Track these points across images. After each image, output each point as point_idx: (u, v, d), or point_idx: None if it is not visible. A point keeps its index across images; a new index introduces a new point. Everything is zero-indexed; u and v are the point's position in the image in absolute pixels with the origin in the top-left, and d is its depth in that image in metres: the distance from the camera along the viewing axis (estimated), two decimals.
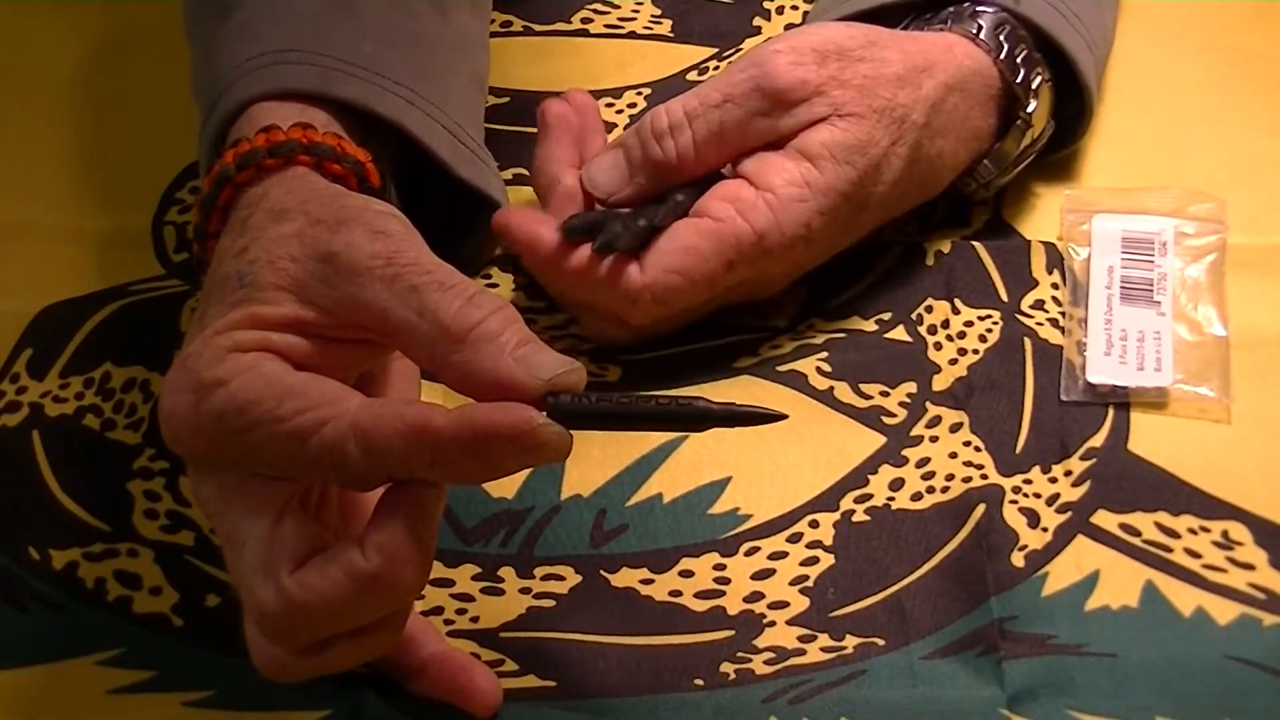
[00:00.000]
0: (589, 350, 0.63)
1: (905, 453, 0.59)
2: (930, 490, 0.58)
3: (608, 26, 0.76)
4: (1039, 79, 0.63)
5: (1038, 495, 0.58)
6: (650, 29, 0.76)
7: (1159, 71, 0.72)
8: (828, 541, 0.57)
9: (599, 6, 0.76)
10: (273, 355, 0.46)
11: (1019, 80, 0.62)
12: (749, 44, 0.74)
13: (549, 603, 0.56)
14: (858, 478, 0.59)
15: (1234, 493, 0.57)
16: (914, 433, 0.60)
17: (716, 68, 0.73)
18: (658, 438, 0.60)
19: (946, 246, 0.66)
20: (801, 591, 0.56)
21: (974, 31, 0.62)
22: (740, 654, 0.54)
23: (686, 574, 0.56)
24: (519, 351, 0.45)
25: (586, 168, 0.61)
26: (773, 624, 0.55)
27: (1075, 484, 0.58)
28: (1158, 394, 0.60)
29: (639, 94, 0.72)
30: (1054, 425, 0.59)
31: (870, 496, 0.58)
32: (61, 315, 0.65)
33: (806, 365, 0.62)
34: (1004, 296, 0.64)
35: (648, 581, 0.56)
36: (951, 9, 0.64)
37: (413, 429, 0.44)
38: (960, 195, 0.66)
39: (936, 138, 0.61)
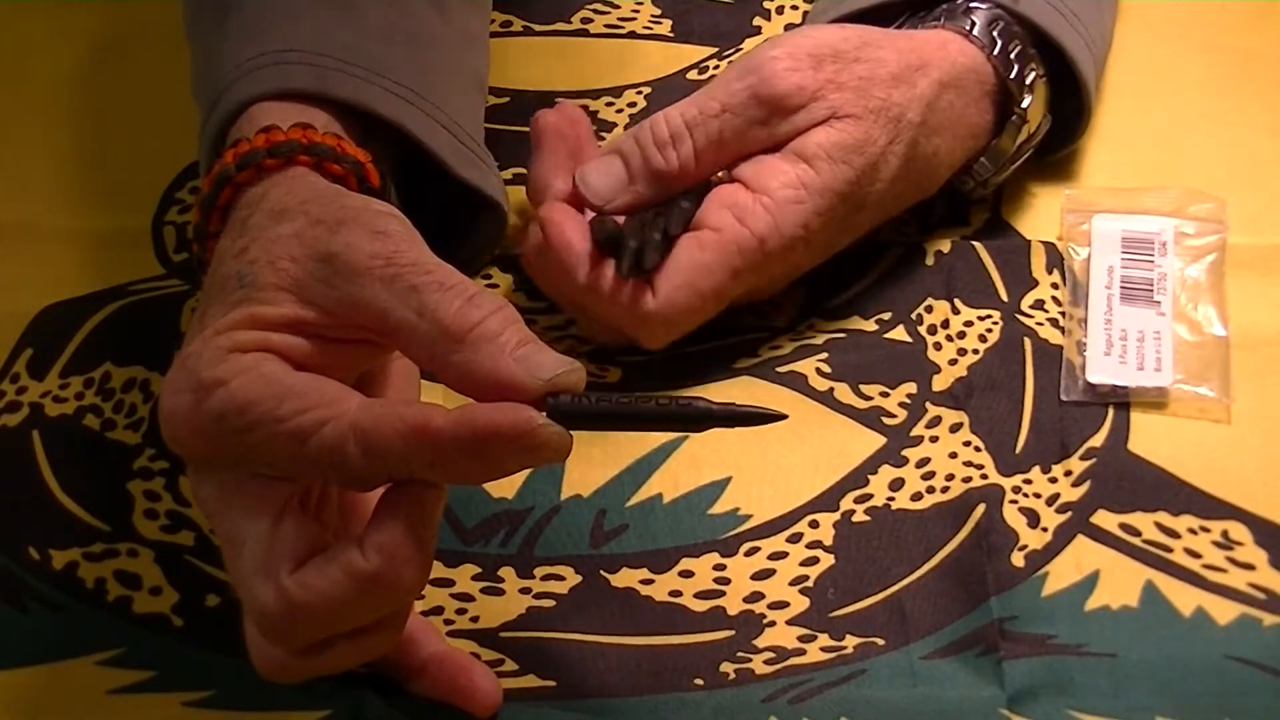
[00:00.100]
0: (589, 350, 0.63)
1: (905, 453, 0.59)
2: (930, 490, 0.58)
3: (608, 26, 0.76)
4: (1033, 74, 0.63)
5: (1038, 495, 0.58)
6: (650, 29, 0.76)
7: (1159, 71, 0.72)
8: (828, 541, 0.57)
9: (599, 6, 0.76)
10: (273, 355, 0.46)
11: (1013, 76, 0.62)
12: (749, 44, 0.74)
13: (549, 603, 0.56)
14: (858, 478, 0.59)
15: (1234, 493, 0.57)
16: (914, 433, 0.60)
17: (717, 67, 0.73)
18: (658, 438, 0.60)
19: (946, 246, 0.66)
20: (801, 591, 0.56)
21: (967, 28, 0.62)
22: (740, 654, 0.54)
23: (686, 574, 0.56)
24: (519, 351, 0.45)
25: (580, 172, 0.61)
26: (773, 624, 0.55)
27: (1075, 484, 0.58)
28: (1158, 394, 0.60)
29: (639, 93, 0.72)
30: (1054, 425, 0.59)
31: (870, 496, 0.58)
32: (61, 315, 0.65)
33: (806, 366, 0.62)
34: (1004, 296, 0.64)
35: (648, 581, 0.56)
36: (945, 6, 0.64)
37: (412, 429, 0.44)
38: (959, 195, 0.66)
39: (933, 135, 0.61)
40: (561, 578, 0.57)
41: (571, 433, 0.45)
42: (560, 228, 0.59)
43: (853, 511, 0.58)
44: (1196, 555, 0.56)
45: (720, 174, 0.61)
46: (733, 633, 0.55)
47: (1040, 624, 0.54)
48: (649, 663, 0.54)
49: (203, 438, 0.46)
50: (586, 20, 0.76)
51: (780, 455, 0.59)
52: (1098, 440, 0.59)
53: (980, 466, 0.59)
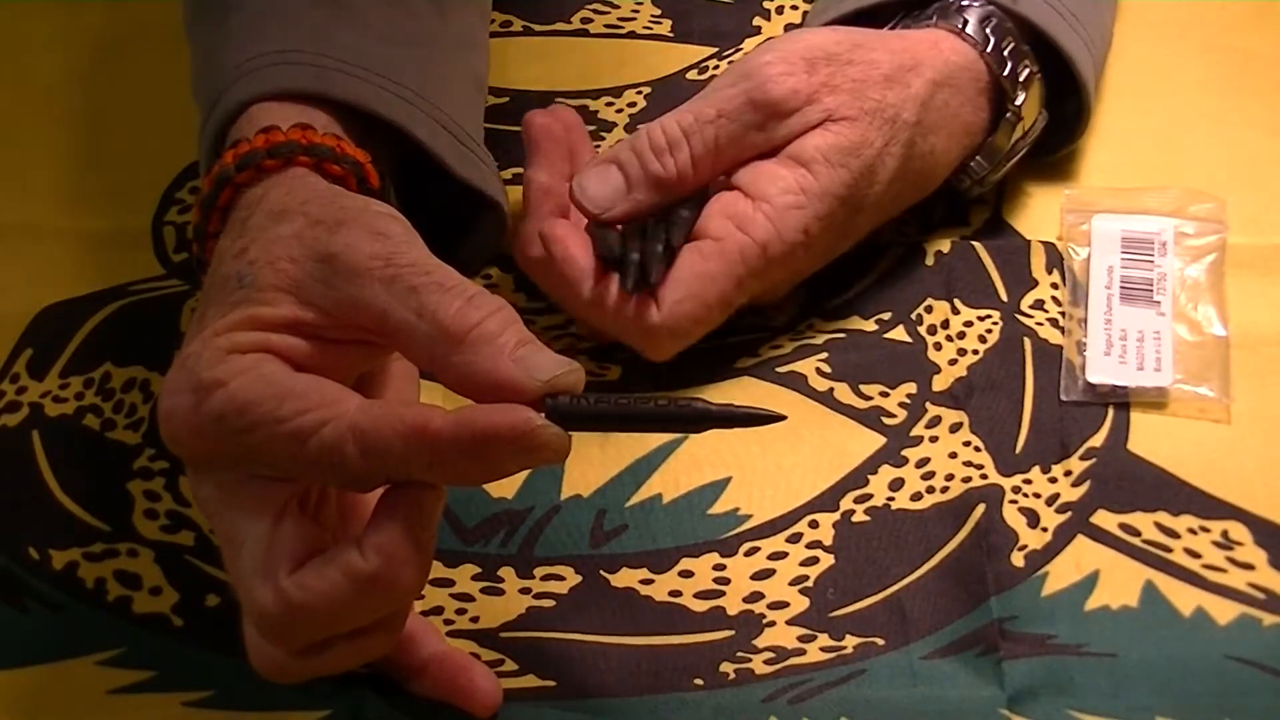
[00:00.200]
0: (588, 349, 0.63)
1: (905, 453, 0.59)
2: (930, 490, 0.58)
3: (607, 26, 0.76)
4: (1027, 71, 0.63)
5: (1037, 495, 0.58)
6: (650, 29, 0.76)
7: (1159, 71, 0.72)
8: (827, 541, 0.57)
9: (599, 6, 0.76)
10: (272, 356, 0.46)
11: (1006, 73, 0.62)
12: (749, 44, 0.74)
13: (549, 603, 0.56)
14: (857, 478, 0.59)
15: (1234, 493, 0.57)
16: (914, 433, 0.60)
17: (717, 67, 0.73)
18: (657, 438, 0.60)
19: (946, 246, 0.66)
20: (801, 591, 0.56)
21: (959, 26, 0.62)
22: (740, 654, 0.54)
23: (686, 574, 0.56)
24: (518, 353, 0.45)
25: (577, 181, 0.60)
26: (772, 624, 0.55)
27: (1075, 484, 0.58)
28: (1157, 394, 0.60)
29: (639, 93, 0.72)
30: (1054, 425, 0.59)
31: (870, 496, 0.58)
32: (61, 315, 0.65)
33: (806, 366, 0.62)
34: (1004, 296, 0.64)
35: (648, 581, 0.56)
36: (938, 5, 0.64)
37: (411, 430, 0.44)
38: (958, 194, 0.66)
39: (929, 135, 0.61)
40: (561, 578, 0.57)
41: (570, 434, 0.45)
42: (564, 244, 0.59)
43: (852, 511, 0.58)
44: (1196, 555, 0.56)
45: (720, 178, 0.61)
46: (732, 633, 0.55)
47: (1040, 624, 0.54)
48: (649, 663, 0.54)
49: (202, 438, 0.46)
50: (586, 20, 0.76)
51: (780, 455, 0.59)
52: (1097, 440, 0.59)
53: (980, 466, 0.59)
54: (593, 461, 0.59)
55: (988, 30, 0.62)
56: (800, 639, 0.54)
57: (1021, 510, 0.57)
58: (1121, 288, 0.63)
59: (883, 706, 0.52)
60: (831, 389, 0.61)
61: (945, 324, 0.63)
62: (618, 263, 0.59)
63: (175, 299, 0.65)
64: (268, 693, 0.51)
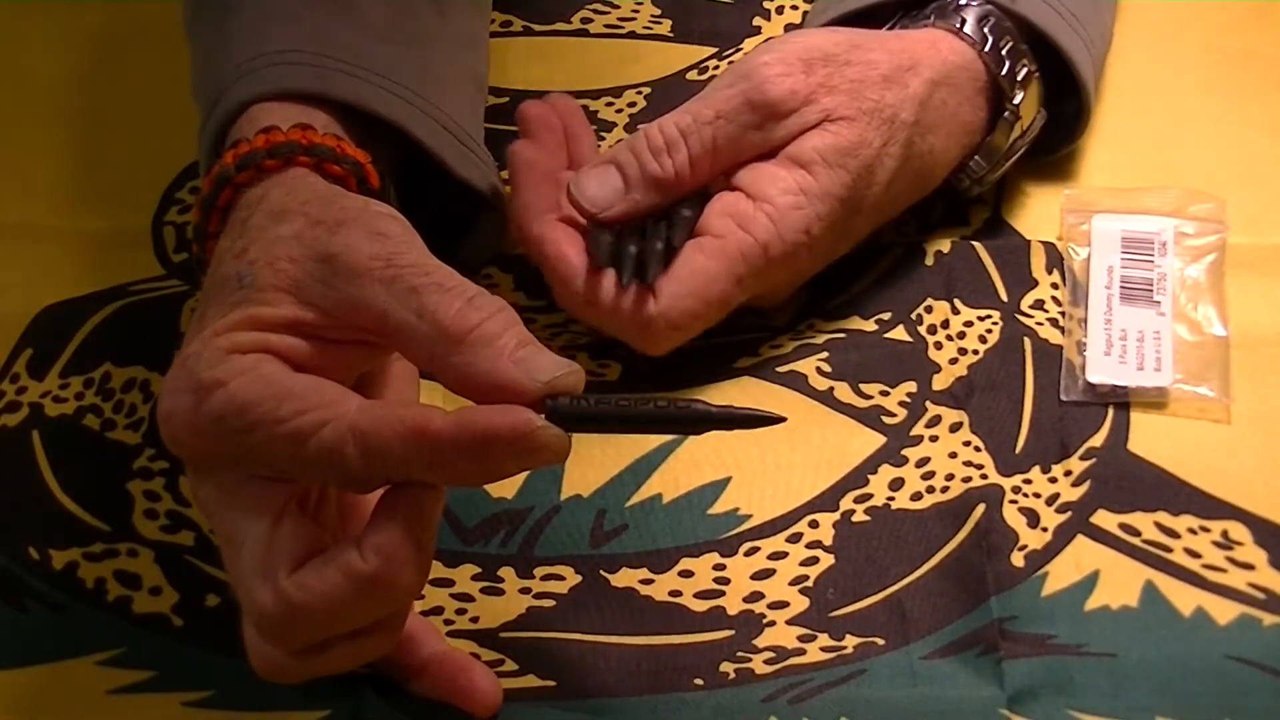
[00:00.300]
0: (587, 348, 0.63)
1: (905, 452, 0.59)
2: (930, 490, 0.58)
3: (607, 26, 0.76)
4: (1025, 70, 0.63)
5: (1037, 495, 0.58)
6: (650, 29, 0.76)
7: (1159, 71, 0.72)
8: (827, 541, 0.57)
9: (599, 6, 0.76)
10: (272, 357, 0.46)
11: (1004, 72, 0.62)
12: (749, 44, 0.74)
13: (549, 603, 0.56)
14: (857, 477, 0.59)
15: (1234, 492, 0.57)
16: (914, 432, 0.60)
17: (716, 67, 0.73)
18: (657, 438, 0.60)
19: (946, 246, 0.66)
20: (801, 591, 0.56)
21: (957, 25, 0.62)
22: (740, 654, 0.54)
23: (686, 574, 0.56)
24: (518, 354, 0.45)
25: (575, 181, 0.60)
26: (772, 624, 0.55)
27: (1075, 484, 0.58)
28: (1157, 394, 0.60)
29: (639, 93, 0.72)
30: (1054, 425, 0.59)
31: (870, 496, 0.58)
32: (61, 315, 0.65)
33: (806, 365, 0.62)
34: (1004, 296, 0.64)
35: (647, 581, 0.56)
36: (936, 4, 0.64)
37: (411, 431, 0.44)
38: (958, 194, 0.66)
39: (927, 134, 0.61)
40: (561, 578, 0.57)
41: (570, 435, 0.45)
42: (555, 244, 0.59)
43: (852, 511, 0.58)
44: (1196, 555, 0.56)
45: (720, 179, 0.61)
46: (732, 632, 0.55)
47: (1040, 624, 0.54)
48: (649, 663, 0.54)
49: (202, 438, 0.46)
50: (586, 20, 0.76)
51: (780, 455, 0.59)
52: (1097, 440, 0.59)
53: (980, 466, 0.59)
54: (593, 461, 0.59)
55: (986, 30, 0.62)
56: (800, 639, 0.54)
57: (1021, 510, 0.57)
58: (1121, 288, 0.63)
59: (883, 706, 0.52)
60: (831, 388, 0.61)
61: (945, 324, 0.63)
62: (612, 260, 0.59)
63: (175, 299, 0.65)
64: (268, 693, 0.51)
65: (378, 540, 0.45)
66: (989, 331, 0.63)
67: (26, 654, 0.55)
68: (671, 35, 0.75)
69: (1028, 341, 0.62)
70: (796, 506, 0.58)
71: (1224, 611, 0.54)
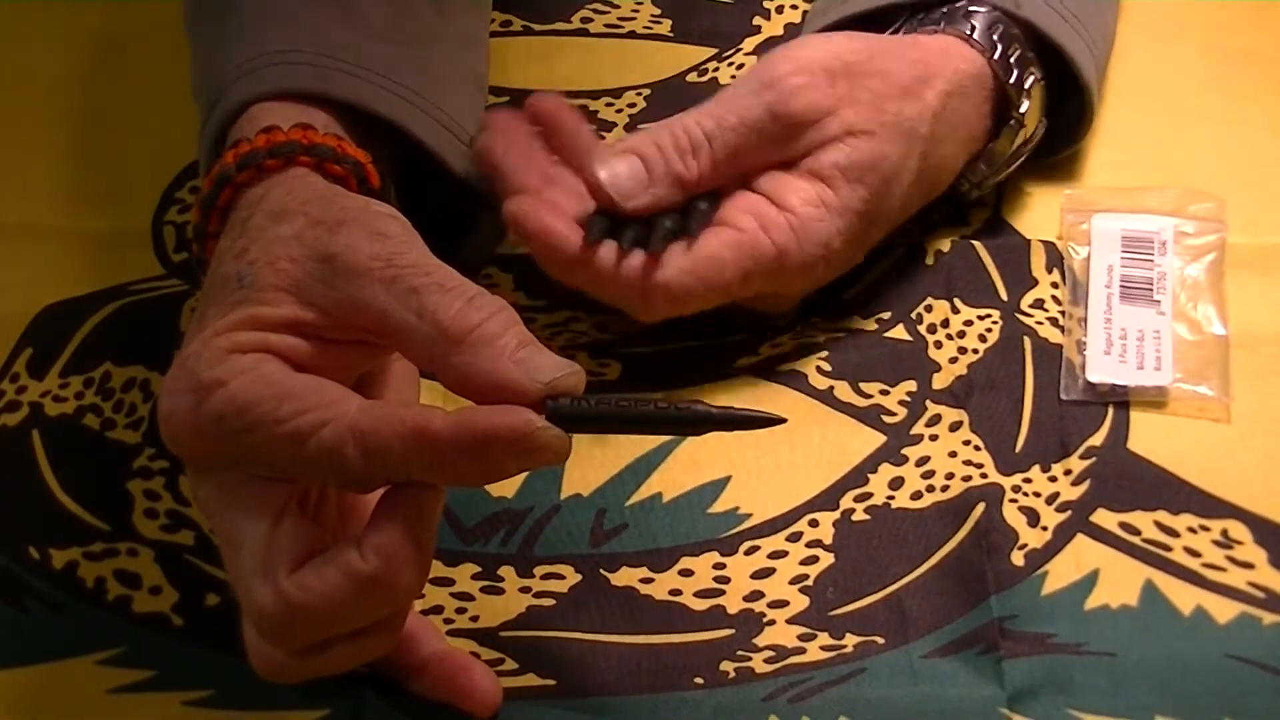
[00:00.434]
0: (588, 347, 0.63)
1: (905, 451, 0.59)
2: (930, 489, 0.58)
3: (607, 26, 0.76)
4: (1031, 79, 0.63)
5: (1037, 494, 0.58)
6: (650, 29, 0.76)
7: (1159, 71, 0.72)
8: (827, 540, 0.57)
9: (599, 6, 0.76)
10: (272, 356, 0.46)
11: (1012, 81, 0.62)
12: (749, 43, 0.74)
13: (549, 602, 0.56)
14: (857, 476, 0.59)
15: (1233, 492, 0.57)
16: (914, 431, 0.60)
17: (716, 69, 0.73)
18: (657, 437, 0.60)
19: (946, 246, 0.66)
20: (801, 590, 0.56)
21: (968, 32, 0.62)
22: (740, 653, 0.54)
23: (686, 573, 0.56)
24: (518, 354, 0.45)
25: (606, 168, 0.59)
26: (772, 623, 0.55)
27: (1075, 483, 0.58)
28: (1157, 393, 0.60)
29: (639, 94, 0.72)
30: (1054, 424, 0.59)
31: (870, 495, 0.58)
32: (61, 315, 0.65)
33: (806, 365, 0.62)
34: (1004, 295, 0.64)
35: (647, 580, 0.56)
36: (944, 9, 0.63)
37: (411, 431, 0.44)
38: (958, 196, 0.66)
39: (940, 145, 0.61)
40: (561, 577, 0.57)
41: (570, 435, 0.45)
42: (537, 219, 0.58)
43: (852, 510, 0.58)
44: (1196, 554, 0.56)
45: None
46: (732, 631, 0.55)
47: (1040, 623, 0.54)
48: (649, 662, 0.54)
49: (202, 438, 0.46)
50: (586, 20, 0.76)
51: (780, 454, 0.59)
52: (1097, 439, 0.59)
53: (980, 465, 0.59)
54: (593, 460, 0.59)
55: (995, 37, 0.62)
56: (800, 638, 0.54)
57: (1021, 509, 0.57)
58: (1121, 287, 0.63)
59: (883, 705, 0.52)
60: (831, 387, 0.61)
61: (945, 323, 0.63)
62: (608, 234, 0.58)
63: (175, 299, 0.65)
64: (268, 692, 0.51)
65: (378, 540, 0.45)
66: (989, 331, 0.63)
67: (26, 653, 0.55)
68: (671, 35, 0.75)
69: (1027, 341, 0.62)
70: (796, 505, 0.58)
71: (1224, 610, 0.54)
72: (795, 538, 0.57)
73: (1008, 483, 0.58)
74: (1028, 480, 0.58)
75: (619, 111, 0.71)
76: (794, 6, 0.76)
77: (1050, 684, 0.53)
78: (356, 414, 0.45)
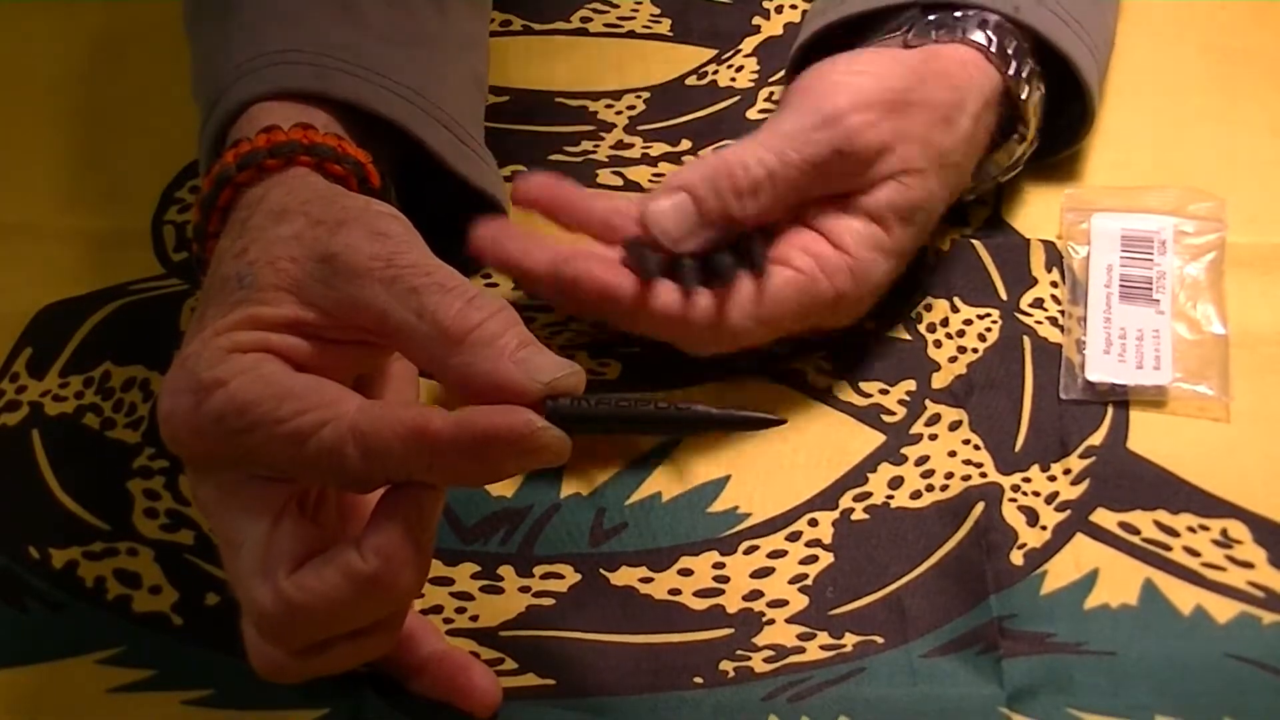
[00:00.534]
0: (588, 347, 0.63)
1: (904, 451, 0.59)
2: (929, 488, 0.58)
3: (607, 25, 0.76)
4: (1038, 94, 0.63)
5: (1037, 493, 0.58)
6: (649, 28, 0.76)
7: (1159, 71, 0.72)
8: (827, 540, 0.57)
9: (598, 5, 0.76)
10: (272, 356, 0.46)
11: (1024, 97, 0.62)
12: (748, 43, 0.74)
13: (548, 601, 0.56)
14: (857, 476, 0.59)
15: (1233, 491, 0.57)
16: (913, 431, 0.60)
17: (716, 71, 0.73)
18: (657, 436, 0.60)
19: (946, 245, 0.65)
20: (801, 590, 0.56)
21: (985, 44, 0.61)
22: (739, 652, 0.54)
23: (686, 572, 0.56)
24: (519, 354, 0.45)
25: (651, 211, 0.57)
26: (772, 622, 0.55)
27: (1074, 482, 0.58)
28: (1157, 392, 0.60)
29: (638, 97, 0.72)
30: (1053, 424, 0.59)
31: (869, 495, 0.58)
32: (61, 315, 0.65)
33: (806, 364, 0.62)
34: (1003, 295, 0.64)
35: (647, 580, 0.56)
36: (955, 14, 0.62)
37: (411, 432, 0.44)
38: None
39: (965, 168, 0.62)
40: (561, 576, 0.57)
41: (570, 435, 0.45)
42: (591, 278, 0.57)
43: (852, 510, 0.58)
44: (1195, 554, 0.56)
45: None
46: (732, 631, 0.55)
47: (1039, 622, 0.54)
48: (648, 661, 0.54)
49: (202, 438, 0.46)
50: (586, 19, 0.76)
51: (779, 453, 0.59)
52: (1097, 439, 0.59)
53: (979, 465, 0.59)
54: (592, 459, 0.59)
55: (1009, 51, 0.61)
56: (800, 637, 0.54)
57: (1021, 508, 0.57)
58: (1121, 286, 0.63)
59: (882, 705, 0.53)
60: (831, 386, 0.61)
61: (945, 322, 0.63)
62: (664, 273, 0.57)
63: (175, 298, 0.65)
64: (267, 692, 0.51)
65: (377, 541, 0.45)
66: (988, 330, 0.63)
67: (26, 653, 0.55)
68: (671, 35, 0.75)
69: (1027, 340, 0.62)
70: (796, 505, 0.58)
71: (1223, 610, 0.54)
72: (795, 537, 0.57)
73: (1007, 482, 0.58)
74: (1027, 480, 0.58)
75: (618, 113, 0.71)
76: (793, 6, 0.76)
77: (1050, 683, 0.53)
78: (356, 414, 0.45)
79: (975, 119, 0.61)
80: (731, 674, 0.54)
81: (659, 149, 0.70)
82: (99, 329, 0.65)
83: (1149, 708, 0.52)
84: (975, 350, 0.62)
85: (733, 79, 0.72)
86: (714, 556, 0.57)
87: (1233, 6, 0.74)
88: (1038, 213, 0.67)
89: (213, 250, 0.51)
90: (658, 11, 0.76)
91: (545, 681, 0.54)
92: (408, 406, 0.45)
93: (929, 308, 0.63)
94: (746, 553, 0.57)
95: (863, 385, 0.61)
